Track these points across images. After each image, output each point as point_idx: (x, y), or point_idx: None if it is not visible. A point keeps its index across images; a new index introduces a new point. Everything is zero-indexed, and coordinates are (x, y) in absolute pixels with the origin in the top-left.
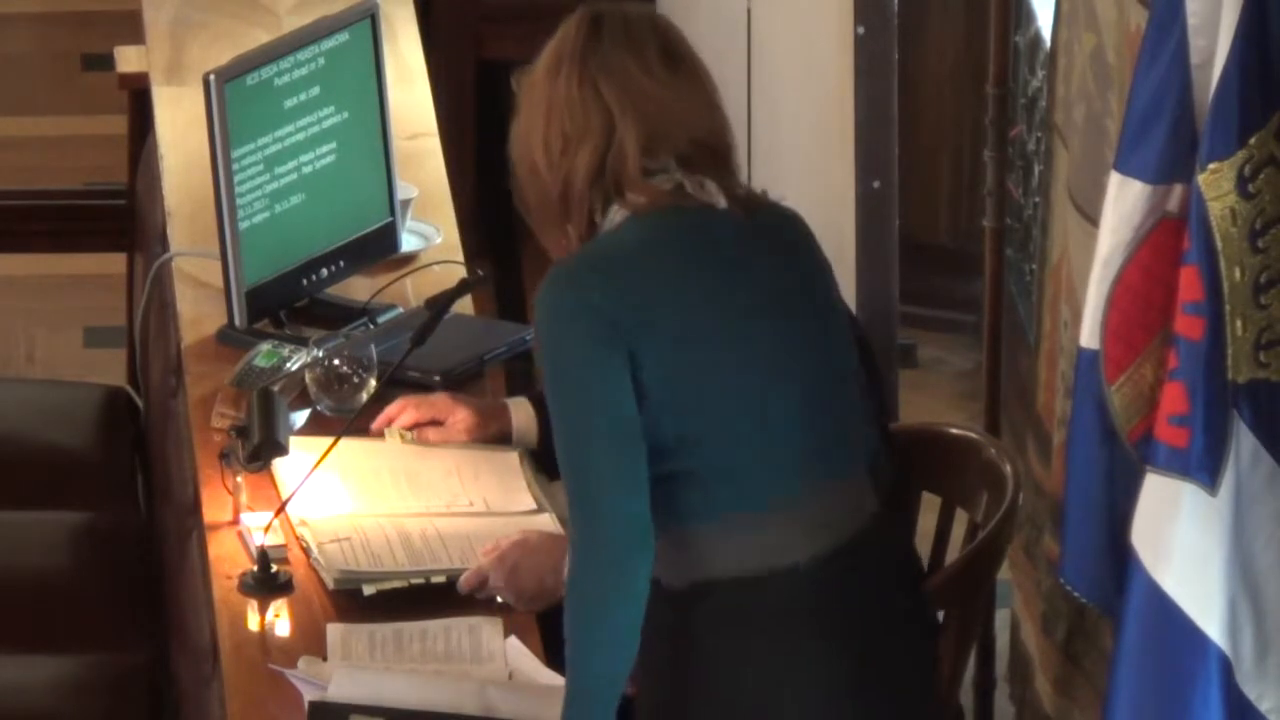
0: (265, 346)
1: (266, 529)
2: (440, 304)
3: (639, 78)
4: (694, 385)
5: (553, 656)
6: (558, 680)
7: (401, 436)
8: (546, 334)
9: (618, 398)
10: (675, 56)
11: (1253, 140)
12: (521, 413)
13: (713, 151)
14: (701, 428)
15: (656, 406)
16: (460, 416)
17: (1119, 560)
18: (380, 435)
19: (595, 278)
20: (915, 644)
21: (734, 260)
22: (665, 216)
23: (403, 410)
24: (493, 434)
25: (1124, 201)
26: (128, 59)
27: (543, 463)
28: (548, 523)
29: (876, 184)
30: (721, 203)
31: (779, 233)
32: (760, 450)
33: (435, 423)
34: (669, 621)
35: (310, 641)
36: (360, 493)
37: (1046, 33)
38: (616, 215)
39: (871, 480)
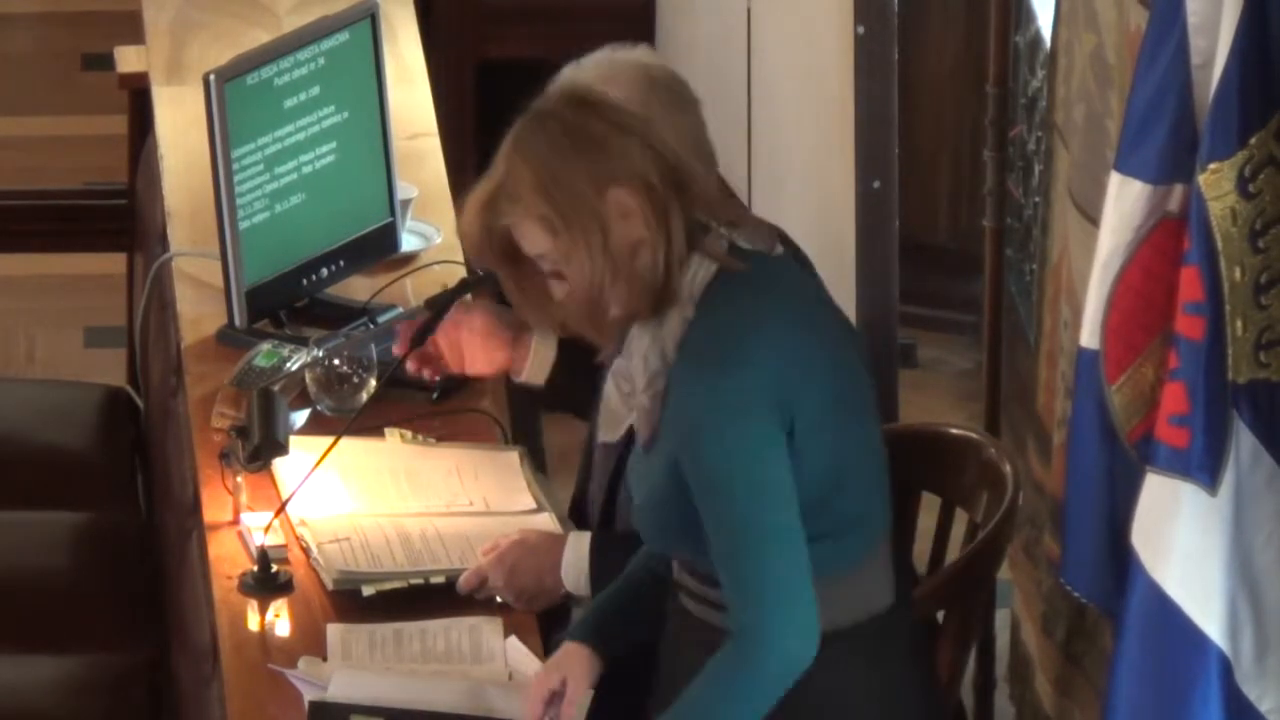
0: (265, 346)
1: (266, 529)
2: (440, 304)
3: (652, 124)
4: (837, 439)
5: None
6: None
7: (402, 436)
8: (713, 427)
9: (787, 486)
10: (611, 105)
11: (1253, 140)
12: (543, 348)
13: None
14: (844, 480)
15: (809, 470)
16: (478, 321)
17: (1119, 560)
18: (380, 435)
19: (749, 357)
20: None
21: (814, 300)
22: (757, 277)
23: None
24: (509, 341)
25: (1124, 201)
26: (128, 59)
27: (545, 403)
28: (547, 522)
29: (876, 184)
30: (779, 249)
31: (804, 262)
32: (879, 493)
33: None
34: None
35: (310, 641)
36: (360, 493)
37: (1046, 33)
38: (700, 273)
39: None
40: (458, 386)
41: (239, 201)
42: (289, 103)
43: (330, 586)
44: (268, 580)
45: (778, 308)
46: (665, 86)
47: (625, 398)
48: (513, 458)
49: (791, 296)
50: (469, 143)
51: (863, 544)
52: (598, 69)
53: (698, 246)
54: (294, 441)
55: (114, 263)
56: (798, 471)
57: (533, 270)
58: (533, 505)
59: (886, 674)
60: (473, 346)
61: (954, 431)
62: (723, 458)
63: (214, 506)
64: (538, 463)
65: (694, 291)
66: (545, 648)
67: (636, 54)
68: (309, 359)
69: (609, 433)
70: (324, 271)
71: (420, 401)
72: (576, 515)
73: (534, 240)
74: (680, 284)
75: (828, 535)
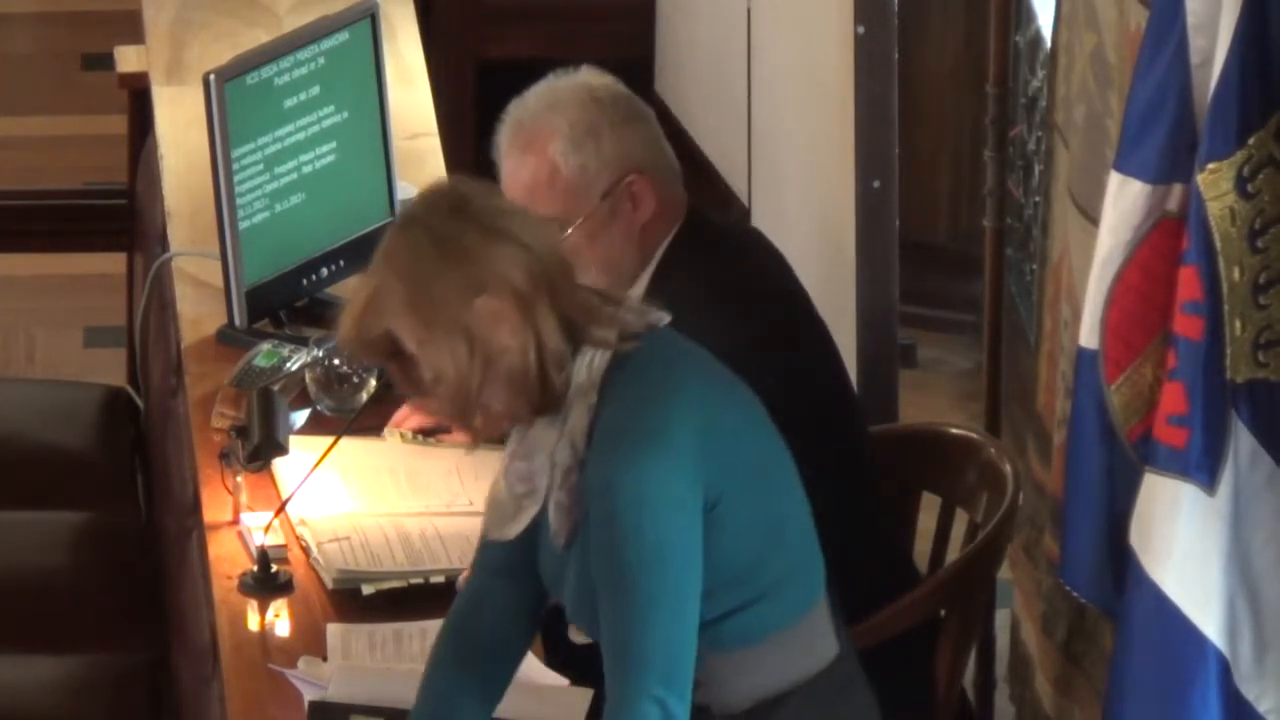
0: (265, 346)
1: (266, 529)
2: None
3: (510, 233)
4: (766, 497)
5: (552, 656)
6: (558, 680)
7: (402, 436)
8: (633, 515)
9: (694, 579)
10: (483, 206)
11: (1252, 140)
12: None
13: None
14: (780, 535)
15: (744, 532)
16: None
17: (1119, 560)
18: (380, 435)
19: (666, 435)
20: None
21: (709, 365)
22: (653, 352)
23: (408, 417)
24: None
25: (1124, 201)
26: (128, 59)
27: None
28: None
29: (876, 184)
30: (665, 319)
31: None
32: (812, 545)
33: (441, 428)
34: None
35: (310, 641)
36: (360, 492)
37: (1046, 32)
38: (596, 360)
39: None
40: None
41: (239, 201)
42: (289, 103)
43: (330, 586)
44: (268, 580)
45: (681, 381)
46: (612, 103)
47: (519, 499)
48: None
49: (689, 365)
50: (469, 143)
51: (803, 598)
52: (539, 99)
53: (586, 339)
54: (294, 441)
55: (114, 263)
56: (731, 538)
57: (416, 365)
58: None
59: None
60: None
61: (954, 431)
62: (640, 548)
63: (214, 506)
64: None
65: (594, 379)
66: (545, 648)
67: (580, 76)
68: (309, 359)
69: (497, 531)
70: (324, 271)
71: None
72: None
73: (408, 345)
74: (557, 385)
75: (766, 595)
